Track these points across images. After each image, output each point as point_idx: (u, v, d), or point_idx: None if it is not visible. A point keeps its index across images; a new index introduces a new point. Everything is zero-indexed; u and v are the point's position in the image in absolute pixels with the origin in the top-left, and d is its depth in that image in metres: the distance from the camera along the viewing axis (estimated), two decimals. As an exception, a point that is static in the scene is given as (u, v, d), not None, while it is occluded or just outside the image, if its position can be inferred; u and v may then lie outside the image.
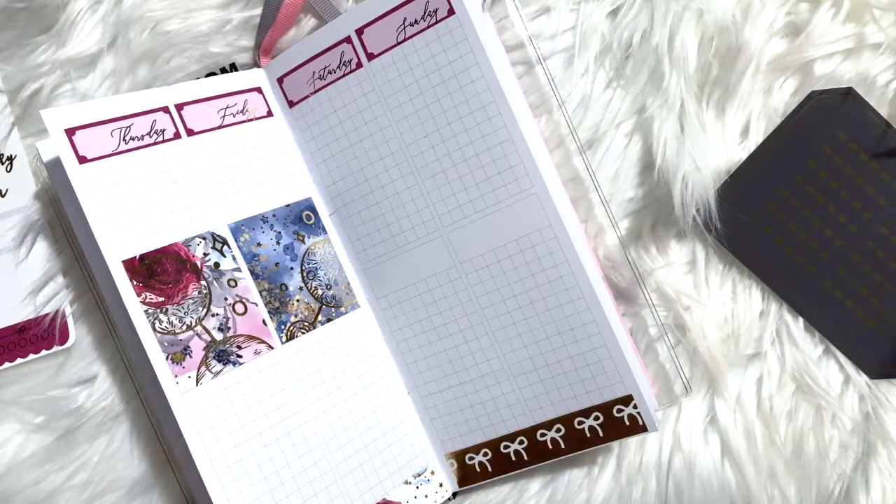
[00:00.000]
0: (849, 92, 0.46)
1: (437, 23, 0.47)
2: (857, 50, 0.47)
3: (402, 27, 0.48)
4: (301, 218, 0.51)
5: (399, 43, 0.48)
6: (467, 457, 0.52)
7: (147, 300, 0.44)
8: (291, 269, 0.50)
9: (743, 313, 0.50)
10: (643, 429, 0.47)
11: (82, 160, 0.44)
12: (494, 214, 0.48)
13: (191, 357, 0.45)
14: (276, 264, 0.49)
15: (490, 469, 0.51)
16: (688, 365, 0.50)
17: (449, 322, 0.50)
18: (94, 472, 0.53)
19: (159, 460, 0.53)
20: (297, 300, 0.49)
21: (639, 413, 0.47)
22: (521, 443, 0.50)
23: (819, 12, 0.47)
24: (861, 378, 0.49)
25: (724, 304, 0.50)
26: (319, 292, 0.50)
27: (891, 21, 0.47)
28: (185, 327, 0.45)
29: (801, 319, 0.49)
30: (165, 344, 0.44)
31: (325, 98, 0.50)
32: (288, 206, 0.51)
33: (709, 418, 0.51)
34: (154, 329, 0.44)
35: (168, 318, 0.45)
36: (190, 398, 0.44)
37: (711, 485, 0.50)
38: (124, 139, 0.46)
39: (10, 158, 0.52)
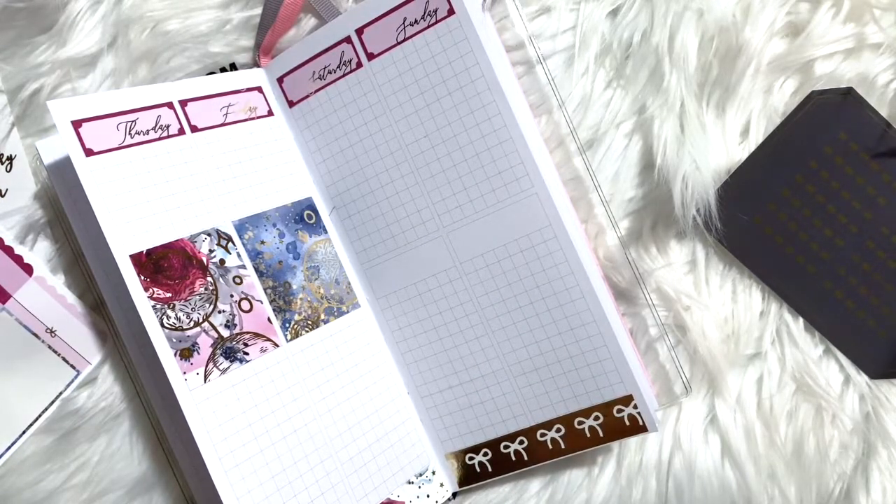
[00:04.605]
0: (849, 92, 0.46)
1: (437, 22, 0.47)
2: (857, 50, 0.47)
3: (402, 27, 0.48)
4: (302, 217, 0.51)
5: (399, 43, 0.48)
6: (467, 457, 0.52)
7: (154, 295, 0.44)
8: (294, 267, 0.50)
9: (743, 313, 0.50)
10: (643, 429, 0.47)
11: (89, 153, 0.44)
12: (494, 214, 0.48)
13: (199, 354, 0.45)
14: (280, 262, 0.49)
15: (490, 469, 0.51)
16: (688, 365, 0.50)
17: (449, 322, 0.50)
18: (94, 472, 0.53)
19: (159, 460, 0.53)
20: (301, 298, 0.49)
21: (639, 413, 0.47)
22: (521, 443, 0.50)
23: (819, 12, 0.47)
24: (861, 378, 0.49)
25: (724, 304, 0.50)
26: (322, 291, 0.50)
27: (891, 21, 0.47)
28: (192, 323, 0.45)
29: (801, 319, 0.49)
30: (174, 340, 0.44)
31: (324, 98, 0.50)
32: (290, 204, 0.51)
33: (709, 418, 0.51)
34: (162, 325, 0.44)
35: (176, 314, 0.45)
36: (198, 395, 0.44)
37: (711, 485, 0.50)
38: (130, 133, 0.45)
39: (10, 158, 0.52)
